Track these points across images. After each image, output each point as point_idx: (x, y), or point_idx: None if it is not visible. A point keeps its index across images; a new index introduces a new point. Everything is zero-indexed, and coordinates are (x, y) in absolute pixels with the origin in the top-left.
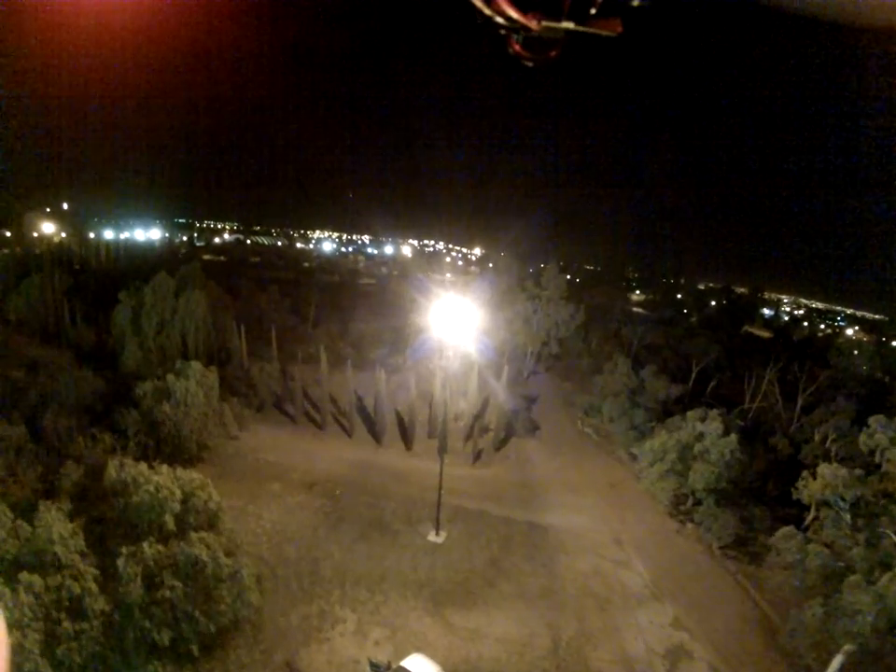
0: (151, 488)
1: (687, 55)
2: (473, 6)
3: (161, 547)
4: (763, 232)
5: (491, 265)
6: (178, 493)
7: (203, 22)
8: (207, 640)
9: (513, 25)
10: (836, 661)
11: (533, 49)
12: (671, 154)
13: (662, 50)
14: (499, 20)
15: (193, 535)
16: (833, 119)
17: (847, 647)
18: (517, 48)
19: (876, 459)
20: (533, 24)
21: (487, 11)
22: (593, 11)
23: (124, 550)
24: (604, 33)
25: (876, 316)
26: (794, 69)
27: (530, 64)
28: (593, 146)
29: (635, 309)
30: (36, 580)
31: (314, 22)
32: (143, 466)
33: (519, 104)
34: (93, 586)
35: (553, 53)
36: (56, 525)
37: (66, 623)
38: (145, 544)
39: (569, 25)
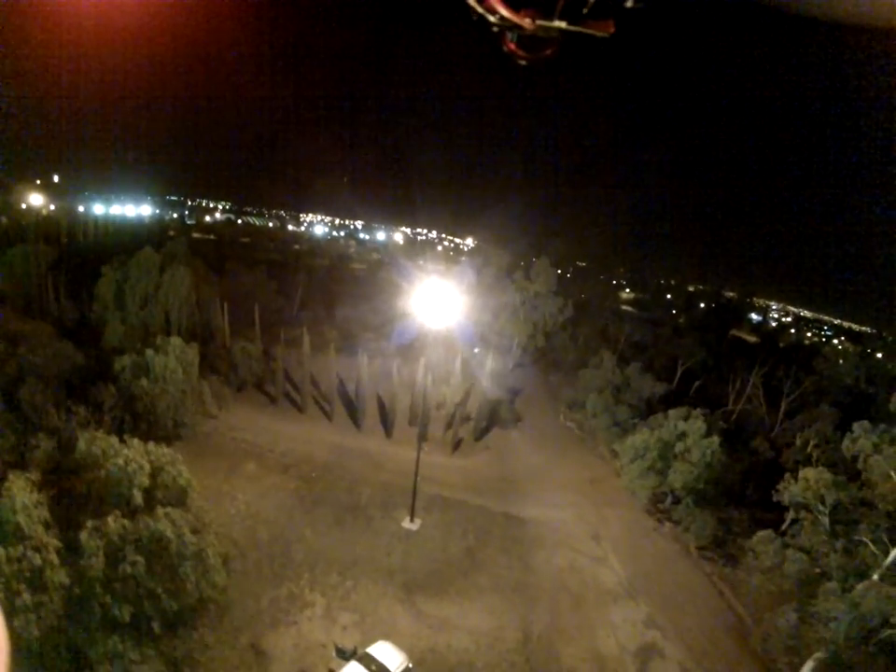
0: (120, 461)
1: (685, 55)
2: (466, 3)
3: (126, 521)
4: (756, 237)
5: (480, 255)
6: (147, 467)
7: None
8: (170, 619)
9: (506, 24)
10: (806, 667)
11: (527, 48)
12: (668, 155)
13: (661, 50)
14: (492, 18)
15: (160, 510)
16: (832, 119)
17: (818, 654)
18: (512, 46)
19: (859, 465)
20: (525, 23)
21: (479, 9)
22: (585, 11)
23: (88, 523)
24: (596, 33)
25: (863, 328)
26: (794, 69)
27: (524, 63)
28: (588, 145)
29: (624, 307)
30: None
31: (312, 8)
32: (114, 439)
33: (515, 99)
34: (55, 558)
35: (549, 52)
36: (20, 494)
37: (25, 595)
38: (109, 518)
39: (562, 25)
